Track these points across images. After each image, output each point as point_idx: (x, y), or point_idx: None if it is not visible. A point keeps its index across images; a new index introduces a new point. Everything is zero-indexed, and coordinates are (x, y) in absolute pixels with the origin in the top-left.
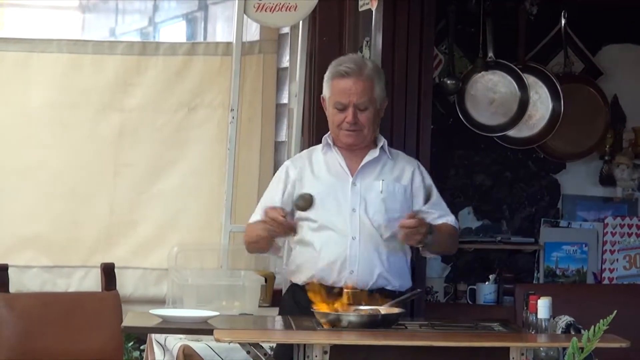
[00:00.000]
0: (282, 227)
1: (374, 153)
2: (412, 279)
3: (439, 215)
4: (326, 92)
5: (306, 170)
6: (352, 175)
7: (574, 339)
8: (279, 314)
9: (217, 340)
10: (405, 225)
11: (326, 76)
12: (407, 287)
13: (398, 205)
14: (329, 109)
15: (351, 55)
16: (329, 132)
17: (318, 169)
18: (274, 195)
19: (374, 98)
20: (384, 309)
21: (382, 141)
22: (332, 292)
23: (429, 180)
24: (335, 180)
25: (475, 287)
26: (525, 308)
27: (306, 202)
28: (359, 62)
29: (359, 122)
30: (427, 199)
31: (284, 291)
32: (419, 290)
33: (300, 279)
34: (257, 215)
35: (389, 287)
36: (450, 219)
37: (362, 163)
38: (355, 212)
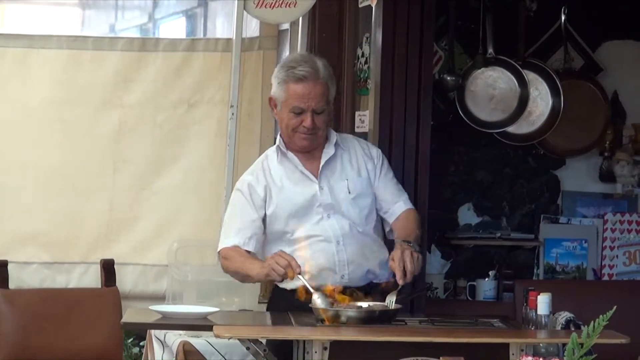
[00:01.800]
0: (286, 275)
1: (329, 150)
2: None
3: (397, 201)
4: (279, 94)
5: (270, 185)
6: (316, 179)
7: (574, 334)
8: (267, 309)
9: (217, 336)
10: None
11: (278, 77)
12: (390, 275)
13: (367, 200)
14: (283, 112)
15: (301, 55)
16: (279, 138)
17: (280, 180)
18: (250, 216)
19: (329, 100)
20: (382, 305)
21: (334, 135)
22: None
23: (380, 164)
24: (302, 188)
25: (475, 283)
26: (525, 304)
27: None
28: (313, 64)
29: (316, 126)
30: (385, 184)
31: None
32: (427, 285)
33: (289, 285)
34: (233, 239)
35: (375, 280)
36: (404, 198)
37: (322, 163)
38: (330, 218)
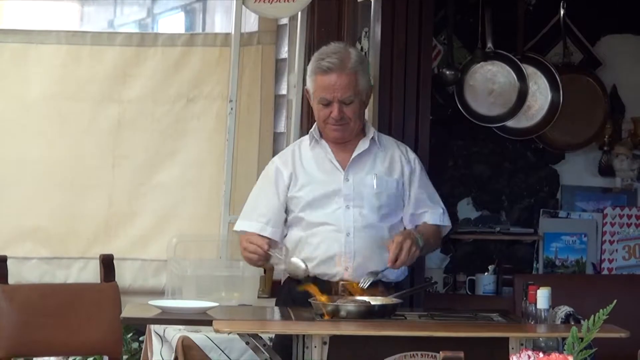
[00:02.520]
0: (261, 258)
1: (363, 145)
2: (411, 269)
3: (426, 211)
4: (310, 86)
5: (298, 170)
6: (343, 170)
7: (574, 328)
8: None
9: (216, 331)
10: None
11: (309, 70)
12: (403, 278)
13: (393, 200)
14: (314, 104)
15: (334, 45)
16: (315, 125)
17: (309, 166)
18: (271, 201)
19: (358, 91)
20: (381, 300)
21: (372, 132)
22: (327, 288)
23: (418, 170)
24: (327, 177)
25: (474, 277)
26: (524, 298)
27: (298, 273)
28: (342, 54)
29: (345, 117)
30: (414, 192)
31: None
32: (434, 281)
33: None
34: (253, 223)
35: (383, 280)
36: (436, 213)
37: (353, 156)
38: (349, 209)
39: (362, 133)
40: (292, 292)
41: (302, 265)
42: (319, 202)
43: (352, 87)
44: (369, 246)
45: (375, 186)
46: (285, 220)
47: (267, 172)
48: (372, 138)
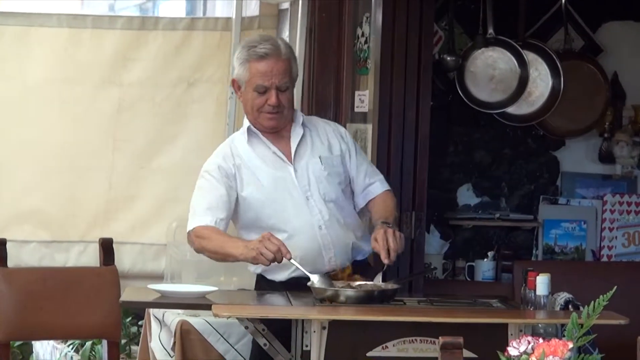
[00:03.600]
0: (275, 260)
1: (298, 131)
2: (411, 255)
3: (374, 181)
4: (242, 74)
5: (242, 169)
6: (289, 161)
7: (574, 314)
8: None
9: (216, 315)
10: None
11: (240, 58)
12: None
13: (342, 176)
14: (247, 93)
15: (261, 35)
16: (245, 121)
17: (252, 163)
18: (220, 195)
19: (292, 77)
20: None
21: (300, 116)
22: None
23: (351, 143)
24: (276, 171)
25: (473, 263)
26: (523, 285)
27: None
28: (274, 41)
29: (281, 104)
30: (357, 166)
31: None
32: (433, 267)
33: (278, 277)
34: (203, 217)
35: (359, 257)
36: (380, 178)
37: (294, 146)
38: (309, 200)
39: (290, 120)
40: (272, 286)
41: (316, 283)
42: (276, 198)
43: (288, 73)
44: (342, 228)
45: (322, 168)
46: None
47: (207, 172)
48: (303, 123)
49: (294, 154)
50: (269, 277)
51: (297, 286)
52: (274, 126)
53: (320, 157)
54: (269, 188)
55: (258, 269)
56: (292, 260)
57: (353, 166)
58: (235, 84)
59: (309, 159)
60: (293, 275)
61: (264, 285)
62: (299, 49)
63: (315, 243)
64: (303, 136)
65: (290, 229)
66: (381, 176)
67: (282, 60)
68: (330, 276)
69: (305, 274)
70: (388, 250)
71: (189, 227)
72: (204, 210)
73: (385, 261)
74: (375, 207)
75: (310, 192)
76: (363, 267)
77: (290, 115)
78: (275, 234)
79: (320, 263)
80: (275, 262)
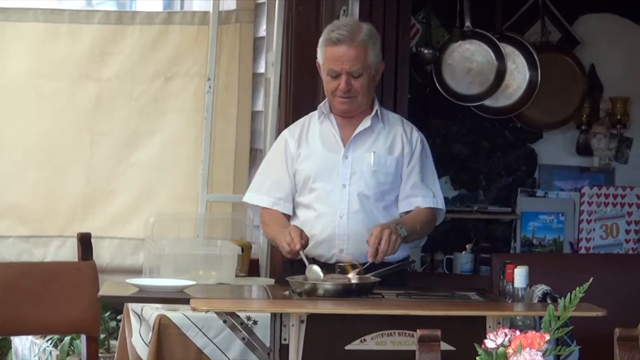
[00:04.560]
0: (290, 253)
1: (366, 122)
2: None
3: (417, 195)
4: (320, 58)
5: (302, 143)
6: (344, 147)
7: (551, 307)
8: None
9: (194, 309)
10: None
11: (320, 42)
12: (404, 257)
13: (390, 178)
14: (323, 76)
15: (346, 19)
16: (325, 100)
17: (313, 140)
18: (281, 174)
19: (367, 64)
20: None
21: (376, 108)
22: (324, 269)
23: (418, 151)
24: (328, 153)
25: (452, 256)
26: (502, 277)
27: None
28: (353, 27)
29: (353, 89)
30: (410, 174)
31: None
32: (411, 260)
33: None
34: (263, 197)
35: (385, 260)
36: (427, 196)
37: (354, 134)
38: (345, 188)
39: (370, 109)
40: (293, 269)
41: (321, 275)
42: (317, 178)
43: (361, 60)
44: (363, 228)
45: (372, 163)
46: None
47: (277, 144)
48: (376, 115)
49: (350, 142)
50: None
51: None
52: (346, 110)
53: (374, 153)
54: (316, 165)
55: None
56: (300, 252)
57: (406, 172)
58: (318, 65)
59: (364, 152)
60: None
61: (286, 265)
62: (276, 43)
63: (332, 228)
64: (370, 128)
65: (318, 210)
66: (431, 192)
67: (354, 47)
68: (340, 269)
69: (326, 258)
70: (377, 251)
71: (252, 201)
72: (264, 186)
73: (370, 259)
74: (409, 213)
75: (350, 182)
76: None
77: (365, 101)
78: (307, 211)
79: (330, 251)
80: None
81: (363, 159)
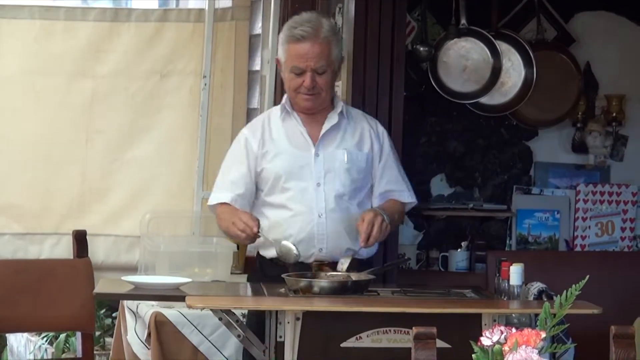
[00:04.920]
0: (249, 237)
1: (333, 119)
2: (384, 245)
3: (394, 190)
4: (281, 55)
5: (267, 141)
6: (314, 145)
7: (546, 304)
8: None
9: (189, 306)
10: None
11: (281, 38)
12: (373, 253)
13: (362, 174)
14: (285, 73)
15: (306, 15)
16: (286, 97)
17: (279, 138)
18: (243, 172)
19: (331, 61)
20: (355, 275)
21: (341, 105)
22: (303, 269)
23: (387, 145)
24: (298, 151)
25: (447, 254)
26: (497, 275)
27: (289, 258)
28: (315, 23)
29: (317, 86)
30: (384, 170)
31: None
32: (407, 257)
33: (268, 253)
34: (224, 194)
35: (356, 257)
36: (403, 191)
37: (323, 131)
38: (319, 187)
39: (331, 105)
40: (264, 269)
41: (294, 250)
42: (288, 177)
43: (325, 56)
44: (341, 225)
45: (345, 161)
46: (256, 196)
47: (237, 144)
48: (341, 112)
49: (320, 140)
50: (261, 252)
51: (284, 267)
52: (309, 107)
53: (346, 150)
54: (286, 164)
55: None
56: (259, 233)
57: (379, 168)
58: (278, 63)
59: (334, 149)
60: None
61: (257, 264)
62: (271, 40)
63: (310, 228)
64: (337, 125)
65: (294, 209)
66: (406, 187)
67: (319, 43)
68: (321, 267)
69: (300, 257)
70: (369, 235)
71: (211, 202)
72: (225, 184)
73: (362, 244)
74: (384, 203)
75: (324, 181)
76: (359, 264)
77: (328, 98)
78: (280, 211)
79: (310, 250)
80: (261, 238)
81: (335, 156)
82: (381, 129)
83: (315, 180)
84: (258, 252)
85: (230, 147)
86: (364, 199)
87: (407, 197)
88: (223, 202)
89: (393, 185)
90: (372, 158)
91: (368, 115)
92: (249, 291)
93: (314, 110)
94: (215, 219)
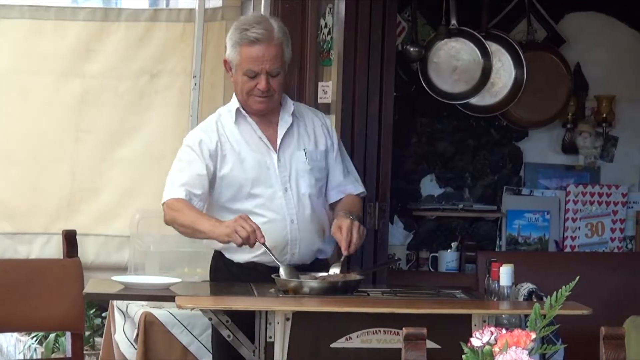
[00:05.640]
0: (249, 244)
1: (286, 120)
2: (374, 246)
3: (348, 182)
4: (233, 57)
5: (225, 147)
6: (274, 148)
7: (536, 305)
8: (211, 279)
9: (179, 307)
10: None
11: (232, 40)
12: (329, 253)
13: (324, 173)
14: (238, 76)
15: (255, 16)
16: (234, 99)
17: (236, 143)
18: (198, 171)
19: (284, 62)
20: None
21: (291, 105)
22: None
23: (335, 139)
24: (261, 157)
25: (437, 254)
26: (487, 275)
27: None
28: (267, 25)
29: (271, 89)
30: (336, 162)
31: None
32: (397, 258)
33: (237, 258)
34: (178, 191)
35: (321, 257)
36: (356, 182)
37: (281, 134)
38: (287, 192)
39: (279, 105)
40: (229, 267)
41: (282, 274)
42: (255, 183)
43: (279, 58)
44: (313, 229)
45: (307, 162)
46: (212, 200)
47: (189, 146)
48: (293, 112)
49: (280, 143)
50: (228, 256)
51: (254, 270)
52: (262, 109)
53: (305, 151)
54: (250, 171)
55: (218, 245)
56: (264, 245)
57: (332, 161)
58: (227, 65)
59: (294, 151)
60: (254, 259)
61: (220, 264)
62: None
63: (284, 235)
64: (291, 126)
65: (266, 216)
66: (357, 176)
67: (273, 46)
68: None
69: (276, 262)
70: (350, 243)
71: (164, 199)
72: (180, 185)
73: (345, 253)
74: (343, 202)
75: (290, 184)
76: (323, 266)
77: (279, 99)
78: (256, 219)
79: (284, 256)
80: (247, 245)
81: (296, 158)
82: (328, 122)
83: (282, 185)
84: (220, 253)
85: (180, 151)
86: (324, 194)
87: (359, 187)
88: (178, 197)
89: (346, 178)
90: (327, 153)
91: (312, 108)
92: (239, 291)
93: (266, 111)
94: (166, 214)
